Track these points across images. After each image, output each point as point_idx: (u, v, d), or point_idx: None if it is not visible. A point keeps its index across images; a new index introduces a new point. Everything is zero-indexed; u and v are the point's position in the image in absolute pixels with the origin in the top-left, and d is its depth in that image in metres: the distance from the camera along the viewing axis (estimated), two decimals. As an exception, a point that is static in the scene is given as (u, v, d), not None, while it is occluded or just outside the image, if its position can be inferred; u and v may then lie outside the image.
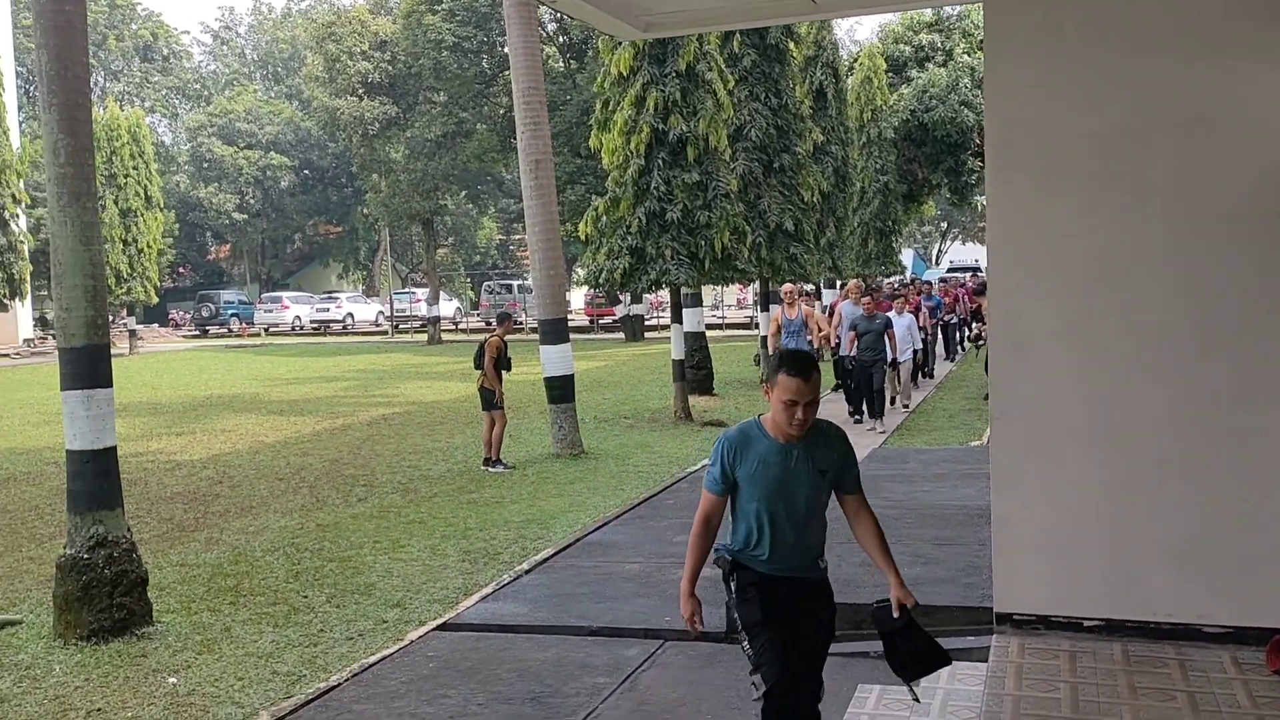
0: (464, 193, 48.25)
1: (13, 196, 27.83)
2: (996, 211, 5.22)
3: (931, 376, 19.72)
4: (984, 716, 4.28)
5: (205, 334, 49.65)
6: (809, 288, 24.50)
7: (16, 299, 29.01)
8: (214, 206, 54.25)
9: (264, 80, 69.04)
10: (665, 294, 19.83)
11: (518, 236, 59.84)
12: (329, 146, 56.03)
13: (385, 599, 7.17)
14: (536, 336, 13.93)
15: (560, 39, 36.68)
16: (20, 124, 38.63)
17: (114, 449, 6.86)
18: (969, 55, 32.26)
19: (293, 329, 48.75)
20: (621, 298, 37.41)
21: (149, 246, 35.89)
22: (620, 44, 14.49)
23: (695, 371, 17.61)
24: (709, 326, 22.63)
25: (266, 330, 47.76)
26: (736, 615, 3.70)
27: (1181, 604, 4.91)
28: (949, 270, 43.20)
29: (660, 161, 14.92)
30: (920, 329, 17.22)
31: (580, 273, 41.35)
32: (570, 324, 14.82)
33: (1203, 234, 4.86)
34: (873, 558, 3.75)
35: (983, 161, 5.81)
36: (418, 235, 48.25)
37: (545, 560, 7.75)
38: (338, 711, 5.25)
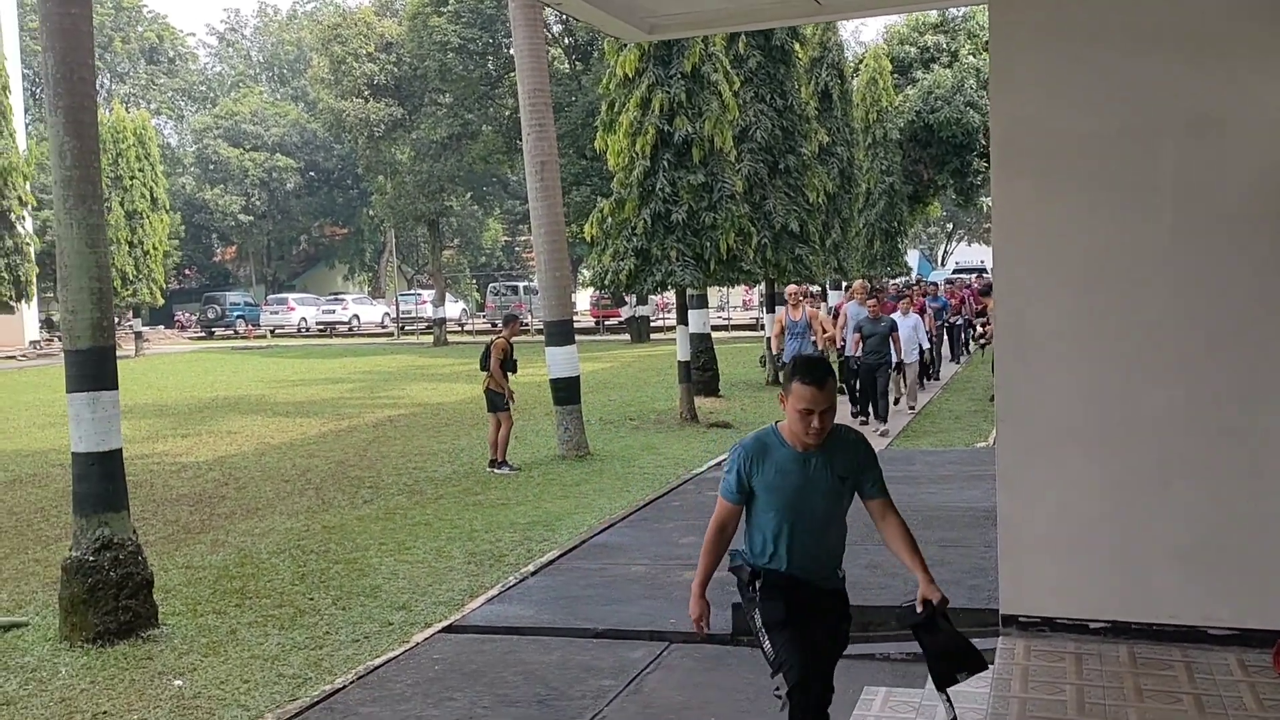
0: (469, 194, 48.31)
1: (19, 199, 27.88)
2: (1002, 212, 5.20)
3: (937, 378, 19.69)
4: (990, 719, 4.27)
5: (211, 336, 49.74)
6: (814, 289, 24.50)
7: (23, 301, 29.06)
8: (220, 208, 54.38)
9: (270, 82, 69.19)
10: (671, 295, 19.83)
11: (523, 238, 59.90)
12: (334, 148, 56.13)
13: (391, 601, 7.17)
14: (542, 338, 13.94)
15: (565, 41, 36.71)
16: (26, 126, 38.78)
17: (119, 451, 6.88)
18: (974, 56, 32.23)
19: (298, 331, 48.84)
20: (627, 299, 37.41)
21: (155, 248, 35.96)
22: (625, 46, 14.49)
23: (701, 373, 17.60)
24: (714, 328, 22.63)
25: (272, 332, 47.84)
26: (757, 614, 3.65)
27: (1187, 606, 4.90)
28: (954, 271, 43.18)
29: (665, 163, 14.92)
30: (925, 331, 17.19)
31: (586, 274, 41.35)
32: (576, 325, 14.82)
33: (1208, 234, 4.84)
34: (901, 559, 3.67)
35: (988, 162, 5.81)
36: (423, 237, 48.36)
37: (551, 562, 7.75)
38: (343, 714, 5.25)
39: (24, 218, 28.87)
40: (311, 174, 58.62)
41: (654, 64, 14.82)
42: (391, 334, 46.94)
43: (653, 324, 40.38)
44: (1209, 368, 4.86)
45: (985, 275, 32.71)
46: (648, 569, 7.48)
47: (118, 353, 7.21)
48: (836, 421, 3.62)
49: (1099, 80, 4.95)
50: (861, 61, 31.66)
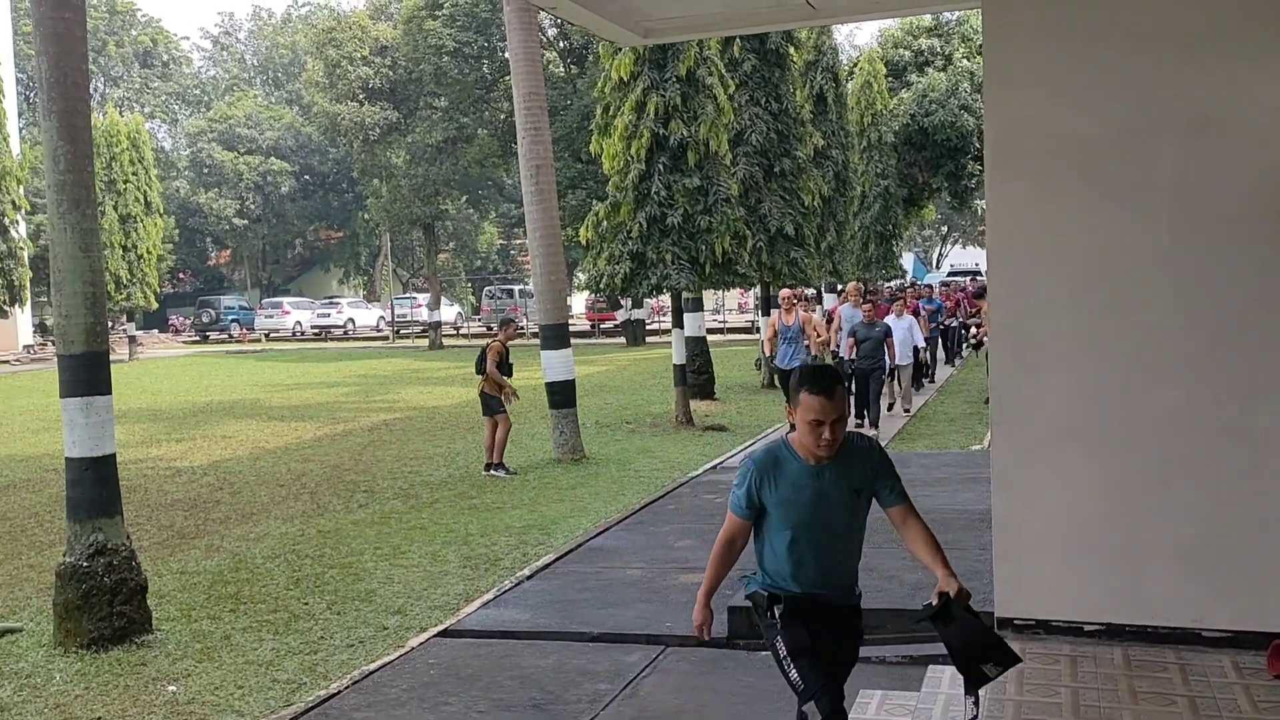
0: (465, 198, 48.29)
1: (12, 203, 27.83)
2: (996, 214, 5.21)
3: (933, 381, 19.71)
4: (986, 722, 4.27)
5: (205, 340, 49.65)
6: (810, 292, 24.51)
7: (16, 305, 29.01)
8: (214, 212, 54.31)
9: (264, 86, 69.15)
10: (666, 299, 19.84)
11: (519, 241, 59.90)
12: (329, 152, 56.08)
13: (386, 605, 7.16)
14: (537, 341, 13.94)
15: (561, 44, 36.73)
16: (20, 130, 38.67)
17: (113, 456, 6.86)
18: (968, 60, 32.30)
19: (293, 334, 48.76)
20: (622, 302, 37.41)
21: (149, 252, 35.90)
22: (620, 49, 14.50)
23: (696, 376, 17.61)
24: (710, 331, 22.64)
25: (267, 336, 47.77)
26: (779, 642, 3.49)
27: (1182, 608, 4.90)
28: (949, 274, 43.22)
29: (661, 166, 14.93)
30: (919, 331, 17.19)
31: (581, 277, 41.35)
32: (571, 329, 14.82)
33: (1205, 234, 4.85)
34: (922, 560, 3.50)
35: (982, 165, 5.83)
36: (419, 240, 48.31)
37: (546, 566, 7.75)
38: (338, 719, 5.24)
39: (18, 222, 28.82)
40: (306, 178, 58.57)
41: (649, 68, 14.83)
42: (387, 338, 46.88)
43: (648, 327, 40.37)
44: (1206, 369, 4.87)
45: (979, 278, 32.76)
46: (644, 572, 7.47)
47: (111, 357, 7.19)
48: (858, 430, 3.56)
49: (1094, 81, 4.96)
50: (856, 65, 31.70)
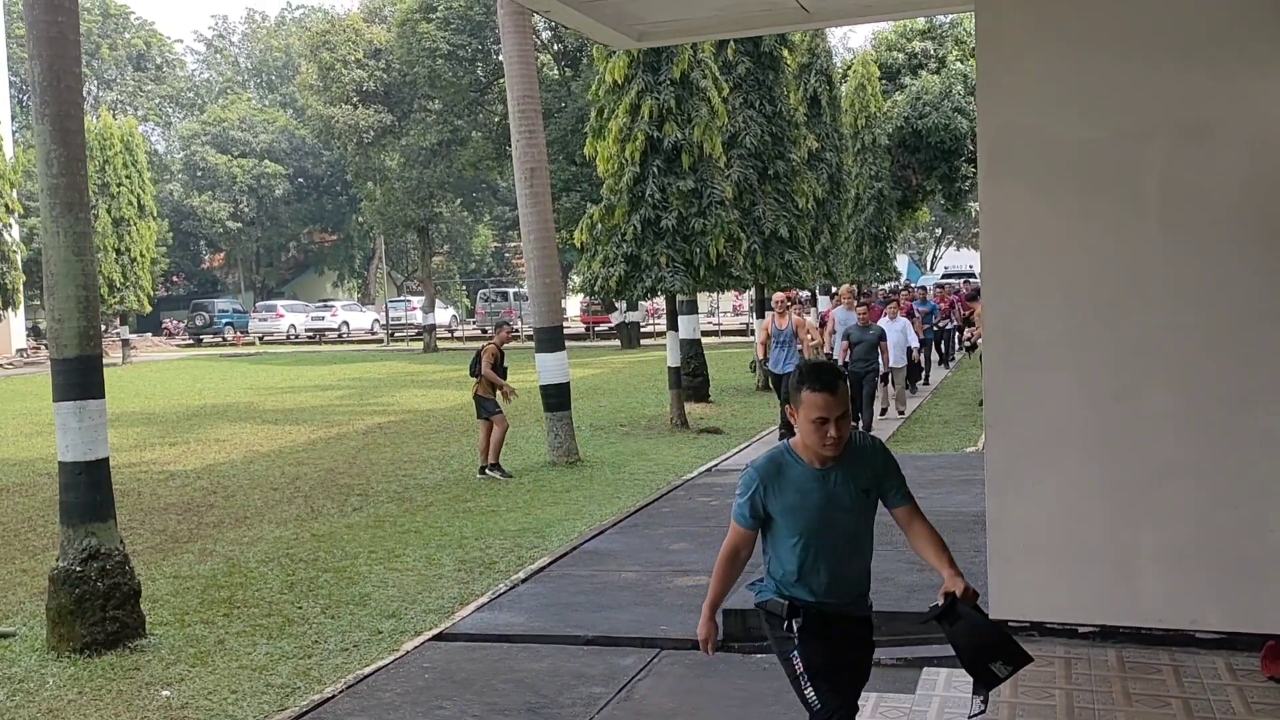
0: (459, 200, 48.25)
1: (5, 206, 27.78)
2: (990, 217, 5.22)
3: (927, 383, 19.73)
4: (980, 724, 4.27)
5: (199, 343, 49.56)
6: (804, 294, 24.52)
7: (9, 309, 28.94)
8: (208, 215, 54.23)
9: (258, 88, 69.08)
10: (661, 301, 19.84)
11: (513, 244, 59.87)
12: (323, 154, 56.01)
13: (381, 609, 7.15)
14: (532, 344, 13.94)
15: (555, 47, 36.73)
16: (14, 133, 38.63)
17: (107, 460, 6.84)
18: (962, 62, 32.38)
19: (287, 338, 48.68)
20: (617, 305, 37.41)
21: (142, 255, 35.83)
22: (614, 52, 14.51)
23: (691, 378, 17.62)
24: (705, 333, 22.64)
25: (261, 339, 47.70)
26: (796, 657, 3.36)
27: (1175, 610, 4.91)
28: (944, 276, 43.29)
29: (655, 169, 14.94)
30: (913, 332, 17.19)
31: (576, 280, 41.38)
32: (566, 331, 14.82)
33: (1198, 238, 4.87)
34: (929, 561, 3.43)
35: (976, 168, 5.84)
36: (413, 243, 48.23)
37: (541, 569, 7.74)
38: (332, 723, 5.23)
39: (11, 225, 28.77)
40: (300, 180, 58.50)
41: (643, 70, 14.84)
42: (381, 341, 46.84)
43: (643, 330, 40.37)
44: (1198, 371, 4.88)
45: (971, 281, 32.84)
46: (639, 575, 7.47)
47: (105, 361, 7.18)
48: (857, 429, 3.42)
49: (1086, 85, 4.98)
50: (850, 68, 31.75)
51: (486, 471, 11.96)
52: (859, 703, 3.49)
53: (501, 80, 25.67)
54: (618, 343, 38.57)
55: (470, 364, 12.38)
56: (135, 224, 35.56)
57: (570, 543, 8.55)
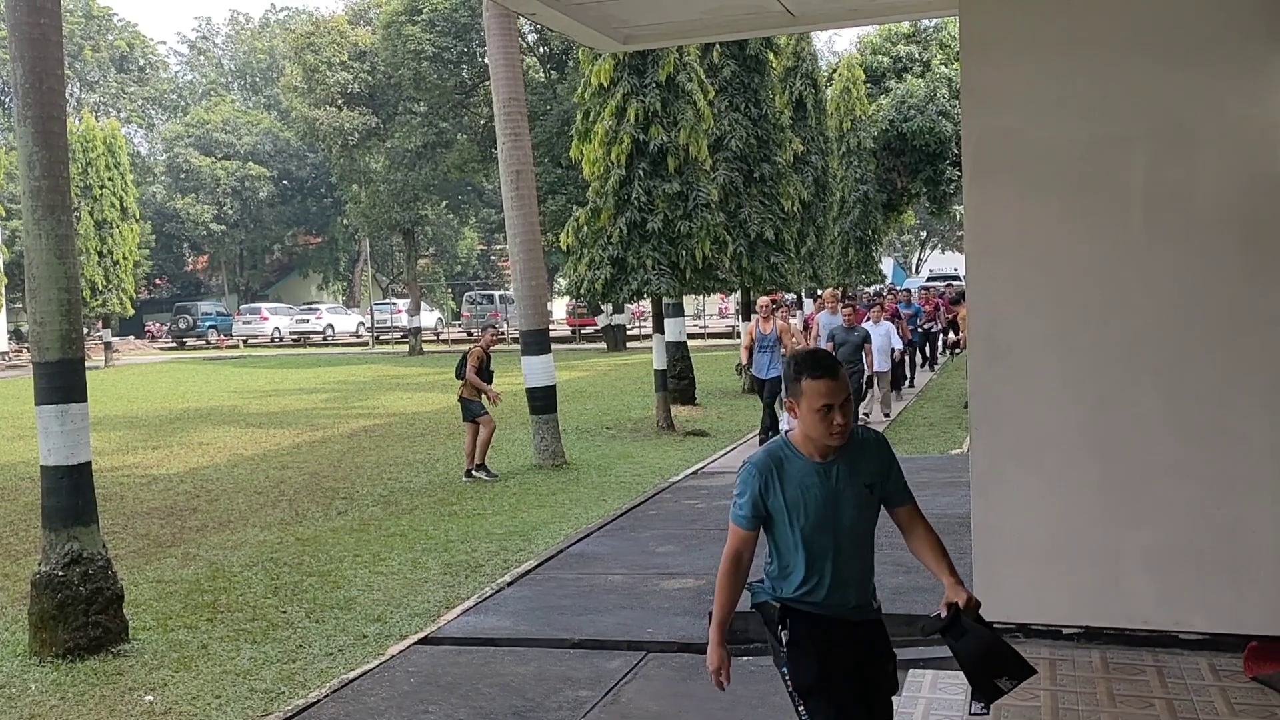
0: (445, 203, 48.21)
1: (-13, 209, 27.61)
2: (974, 220, 5.25)
3: (912, 385, 19.79)
4: (966, 726, 4.28)
5: (182, 346, 49.32)
6: (790, 297, 24.56)
7: (-9, 312, 28.76)
8: (191, 217, 54.00)
9: (242, 90, 68.82)
10: (647, 304, 19.86)
11: (499, 247, 59.82)
12: (308, 157, 55.87)
13: (365, 613, 7.12)
14: (518, 347, 13.92)
15: (541, 49, 36.72)
16: (-4, 136, 38.35)
17: (89, 464, 6.80)
18: (946, 66, 32.50)
19: (272, 340, 48.50)
20: (603, 308, 37.41)
21: (125, 258, 35.65)
22: (600, 55, 14.52)
23: (677, 381, 17.63)
24: (691, 336, 22.66)
25: (245, 342, 47.50)
26: (786, 674, 3.22)
27: (1159, 611, 4.94)
28: (929, 279, 43.43)
29: (641, 172, 14.95)
30: (899, 335, 17.24)
31: (562, 283, 41.36)
32: (552, 334, 14.81)
33: (1179, 241, 4.90)
34: (929, 567, 3.29)
35: (961, 171, 5.84)
36: (398, 246, 48.18)
37: (527, 572, 7.72)
38: (317, 728, 5.21)
39: (-8, 228, 28.59)
40: (285, 183, 58.31)
41: (629, 73, 14.85)
42: (366, 344, 46.71)
43: (629, 332, 40.39)
44: (1180, 374, 4.91)
45: (954, 284, 32.96)
46: (625, 578, 7.46)
47: (87, 364, 7.13)
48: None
49: (1071, 89, 5.01)
50: (835, 71, 31.84)
51: (473, 473, 11.94)
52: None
53: (487, 83, 25.70)
54: (604, 345, 38.56)
55: (456, 367, 12.36)
56: (118, 226, 35.39)
57: (556, 546, 8.54)
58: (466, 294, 52.03)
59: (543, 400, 13.12)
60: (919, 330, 21.84)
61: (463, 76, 37.36)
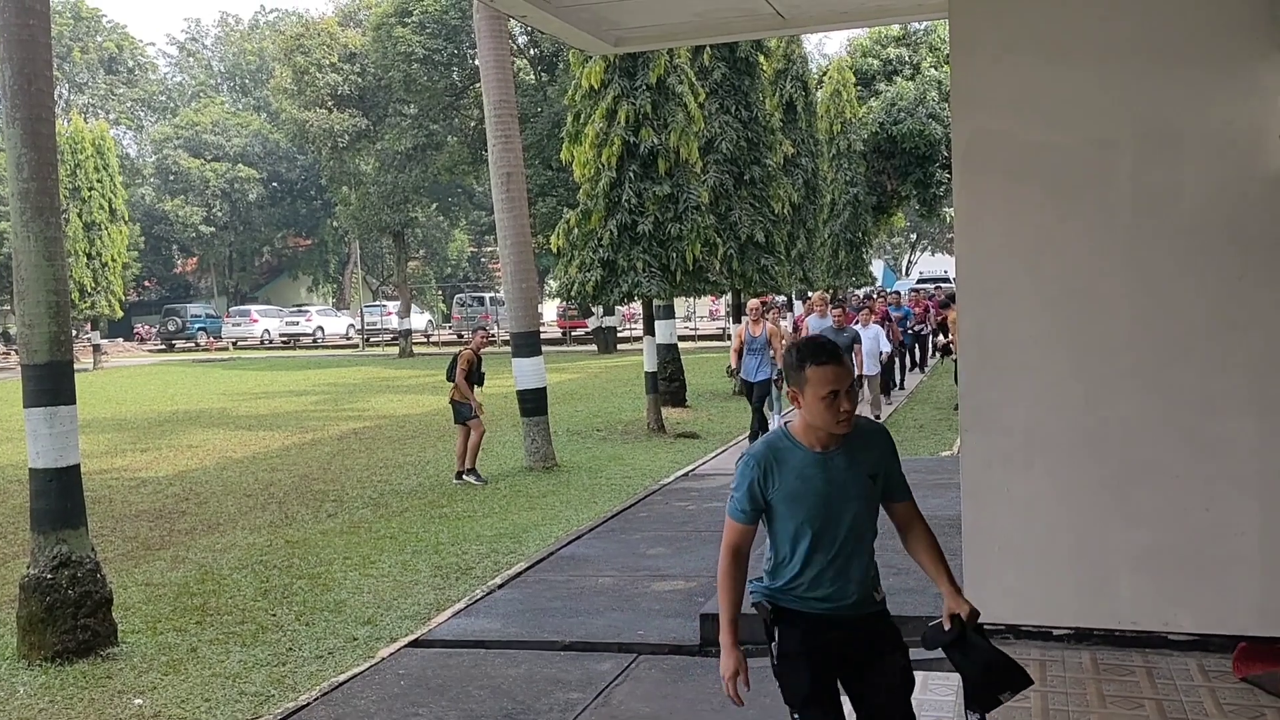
0: (435, 205, 48.15)
1: (-25, 210, 27.47)
2: (964, 223, 5.26)
3: (902, 388, 19.84)
4: (956, 727, 4.30)
5: (171, 348, 49.17)
6: (780, 299, 24.59)
7: (-21, 314, 28.61)
8: (180, 219, 53.81)
9: (231, 92, 68.63)
10: (637, 306, 19.89)
11: (489, 249, 59.76)
12: (298, 159, 55.74)
13: (356, 616, 7.11)
14: (509, 349, 13.91)
15: (531, 52, 36.71)
16: (-17, 137, 38.11)
17: (77, 467, 6.78)
18: (936, 69, 32.58)
19: (261, 343, 48.38)
20: (594, 310, 37.40)
21: (113, 260, 35.52)
22: (591, 58, 14.52)
23: (668, 383, 17.63)
24: (681, 338, 22.68)
25: (234, 344, 47.36)
26: (779, 683, 3.13)
27: (1148, 612, 4.96)
28: (919, 281, 43.53)
29: (631, 174, 14.96)
30: (888, 340, 17.28)
31: (552, 285, 41.32)
32: (543, 336, 14.80)
33: (1165, 244, 4.92)
34: (926, 571, 3.22)
35: (950, 173, 5.87)
36: (388, 248, 48.13)
37: (518, 575, 7.72)
38: (307, 731, 5.19)
39: (-20, 229, 28.45)
40: (274, 185, 58.16)
41: (619, 76, 14.86)
42: (356, 346, 46.62)
43: (619, 335, 40.40)
44: (1168, 376, 4.94)
45: (944, 286, 33.03)
46: (615, 580, 7.46)
47: (76, 366, 7.11)
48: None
49: (1059, 93, 5.03)
50: (825, 74, 31.92)
51: (463, 477, 11.93)
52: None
53: (477, 85, 25.65)
54: (594, 348, 38.56)
55: (447, 369, 12.34)
56: (107, 228, 35.26)
57: (547, 548, 8.53)
58: (457, 296, 51.99)
59: (533, 402, 13.11)
60: (909, 332, 21.88)
61: (453, 79, 37.33)
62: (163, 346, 49.97)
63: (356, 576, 8.10)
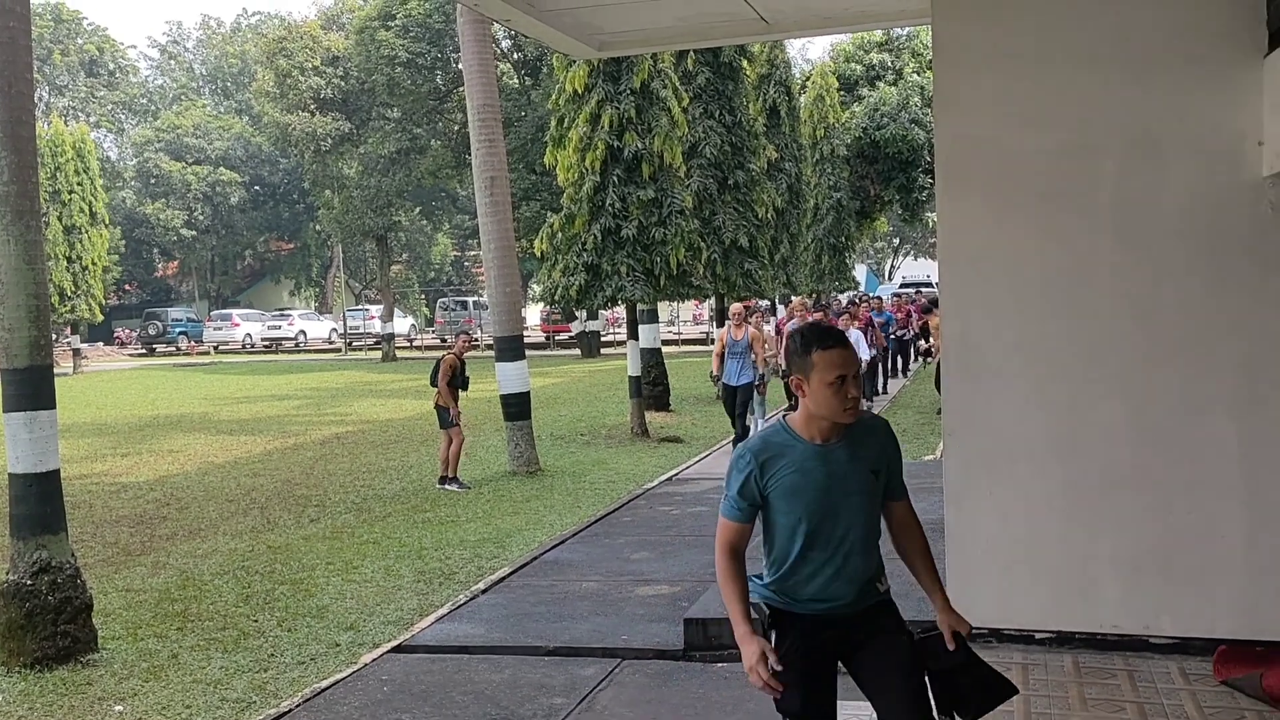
0: (418, 209, 48.05)
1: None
2: (947, 228, 5.29)
3: (885, 392, 19.90)
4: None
5: (152, 352, 48.82)
6: (764, 304, 24.64)
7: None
8: (161, 223, 53.47)
9: (213, 95, 68.31)
10: (621, 310, 19.89)
11: (473, 253, 59.66)
12: (280, 162, 55.51)
13: (338, 621, 7.07)
14: (493, 353, 13.89)
15: (515, 56, 36.70)
16: (-39, 139, 37.79)
17: (57, 472, 6.73)
18: (919, 74, 32.75)
19: (243, 347, 48.13)
20: (577, 314, 37.38)
21: (94, 264, 35.28)
22: (575, 62, 14.53)
23: (652, 387, 17.63)
24: (665, 342, 22.68)
25: (216, 348, 47.11)
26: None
27: (1129, 615, 4.99)
28: (901, 285, 43.69)
29: (615, 178, 14.97)
30: (871, 346, 17.33)
31: (536, 289, 41.29)
32: (526, 340, 14.78)
33: (1151, 250, 4.95)
34: (918, 576, 3.15)
35: (933, 178, 5.92)
36: (371, 252, 47.99)
37: (501, 580, 7.70)
38: (289, 737, 5.17)
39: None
40: (256, 188, 57.90)
41: (603, 80, 14.87)
42: (339, 350, 46.43)
43: (603, 339, 40.39)
44: (1154, 381, 4.97)
45: (925, 290, 33.17)
46: (599, 585, 7.45)
47: (55, 370, 7.06)
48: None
49: (1042, 98, 5.06)
50: (809, 79, 32.06)
51: (445, 485, 11.89)
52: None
53: (461, 88, 25.62)
54: (578, 352, 38.53)
55: (431, 373, 12.31)
56: (87, 232, 35.02)
57: (530, 553, 8.52)
58: (440, 300, 51.84)
59: (517, 406, 13.09)
60: (891, 337, 21.95)
61: (437, 82, 37.27)
62: (143, 351, 49.61)
63: (339, 582, 8.07)
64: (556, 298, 15.62)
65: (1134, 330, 4.98)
